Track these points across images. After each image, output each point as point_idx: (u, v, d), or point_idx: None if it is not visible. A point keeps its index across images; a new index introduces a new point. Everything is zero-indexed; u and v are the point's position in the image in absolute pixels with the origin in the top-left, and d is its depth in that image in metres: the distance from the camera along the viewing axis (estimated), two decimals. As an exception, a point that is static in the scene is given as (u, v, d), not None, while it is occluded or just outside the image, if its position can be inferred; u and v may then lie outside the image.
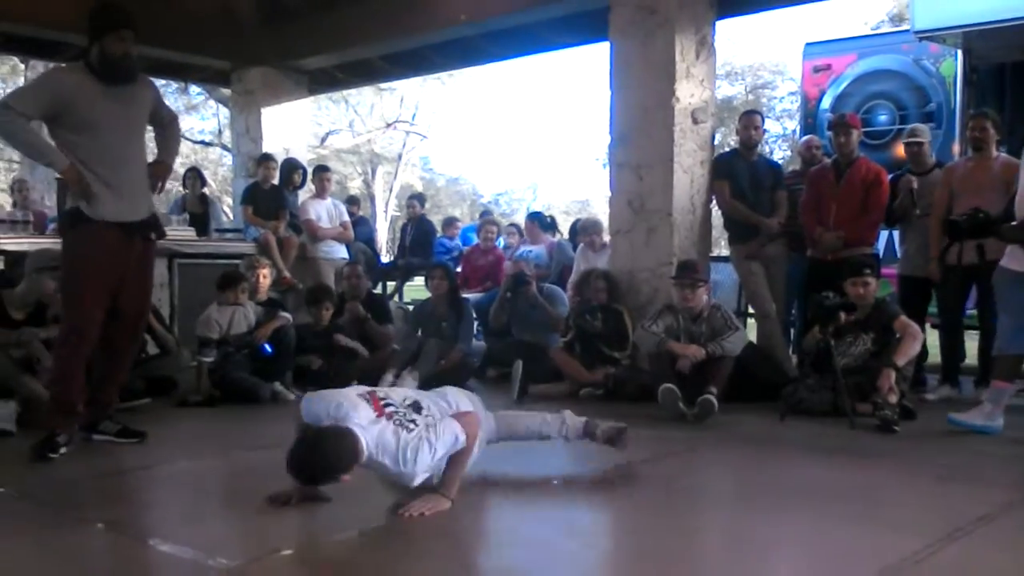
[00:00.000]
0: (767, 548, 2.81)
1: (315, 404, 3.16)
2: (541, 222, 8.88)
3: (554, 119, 56.92)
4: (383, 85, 24.48)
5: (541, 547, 2.80)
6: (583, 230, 7.76)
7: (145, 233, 4.27)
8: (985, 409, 4.62)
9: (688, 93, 6.19)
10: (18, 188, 9.14)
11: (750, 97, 25.80)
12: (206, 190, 9.26)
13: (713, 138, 6.50)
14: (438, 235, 10.11)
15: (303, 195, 8.55)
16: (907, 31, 7.82)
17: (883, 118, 8.16)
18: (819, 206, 6.02)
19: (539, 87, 54.35)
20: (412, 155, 31.65)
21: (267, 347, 5.71)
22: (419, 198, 10.95)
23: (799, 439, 4.60)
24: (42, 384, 4.50)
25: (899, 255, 6.44)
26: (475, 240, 9.45)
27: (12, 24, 7.84)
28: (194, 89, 23.02)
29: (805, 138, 7.48)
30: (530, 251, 8.16)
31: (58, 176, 4.47)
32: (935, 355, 6.17)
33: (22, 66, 17.57)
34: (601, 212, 6.56)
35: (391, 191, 30.10)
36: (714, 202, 6.50)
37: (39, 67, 13.99)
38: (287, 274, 7.76)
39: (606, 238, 7.27)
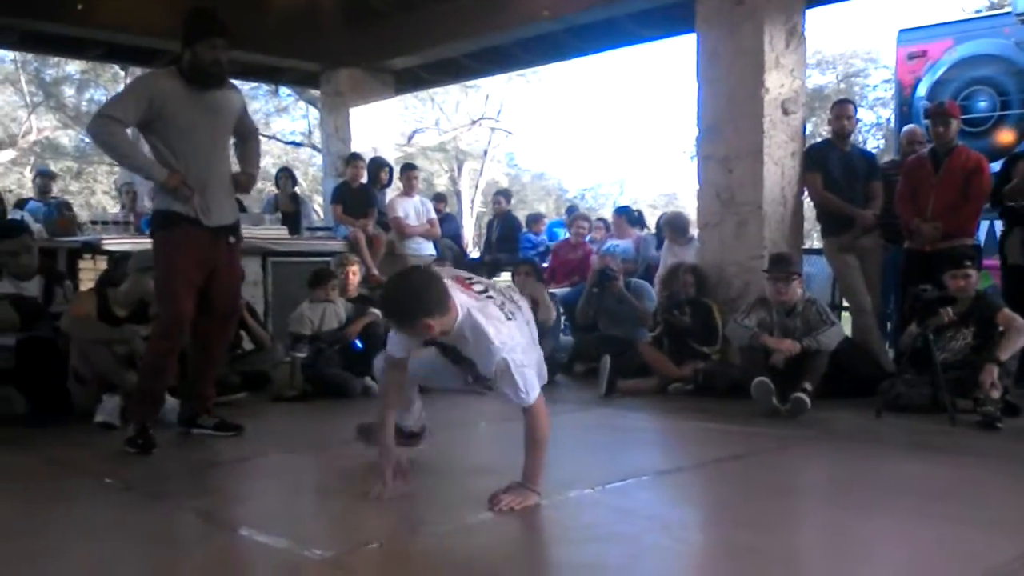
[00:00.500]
0: (864, 547, 2.74)
1: None
2: (629, 216, 8.82)
3: (640, 113, 56.51)
4: (468, 83, 24.66)
5: (629, 543, 2.78)
6: (667, 224, 7.70)
7: (228, 235, 4.36)
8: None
9: (778, 83, 6.07)
10: (126, 191, 9.49)
11: (842, 86, 25.15)
12: (297, 189, 9.47)
13: (804, 129, 6.36)
14: (524, 231, 10.13)
15: (391, 193, 8.67)
16: (1007, 14, 7.53)
17: (983, 104, 7.89)
18: (916, 196, 5.83)
19: (625, 81, 53.98)
20: (497, 151, 31.72)
21: (358, 343, 5.81)
22: (505, 194, 10.99)
23: (897, 436, 4.47)
24: None
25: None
26: (561, 235, 9.44)
27: (111, 33, 8.14)
28: (284, 91, 23.58)
29: (907, 129, 7.22)
30: (616, 245, 8.11)
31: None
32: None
33: (122, 73, 18.19)
34: (689, 206, 6.50)
35: (477, 187, 30.24)
36: (806, 194, 6.36)
37: (138, 74, 14.46)
38: (376, 271, 7.87)
39: (693, 232, 7.20)
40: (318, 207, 12.57)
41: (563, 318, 7.46)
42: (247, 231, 7.38)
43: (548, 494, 3.19)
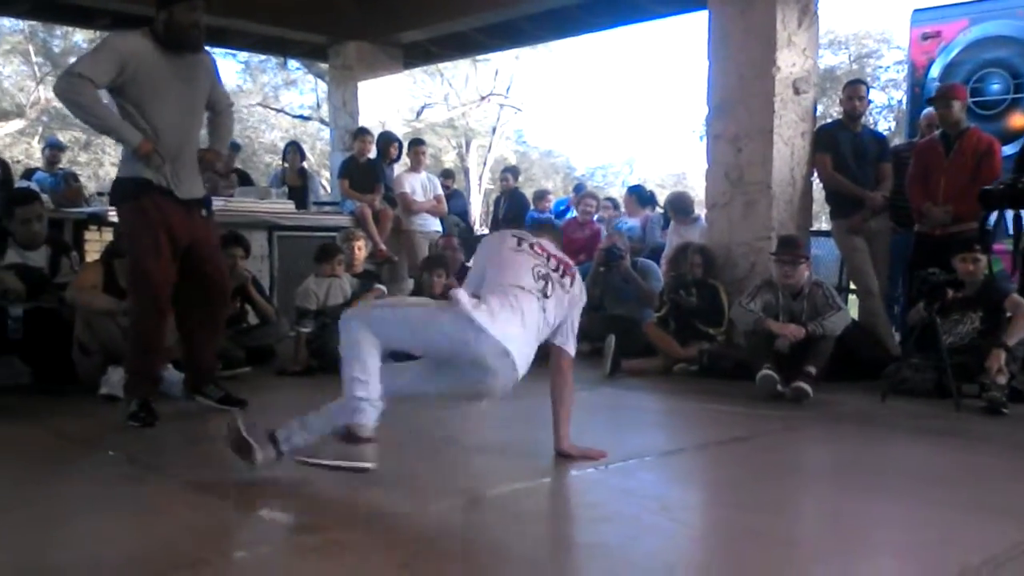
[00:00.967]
0: (865, 530, 2.73)
1: None
2: (640, 195, 8.78)
3: (651, 91, 56.13)
4: (478, 58, 24.51)
5: (630, 523, 2.77)
6: (671, 204, 7.68)
7: (200, 208, 4.22)
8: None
9: (789, 62, 6.02)
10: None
11: (854, 67, 24.96)
12: (305, 164, 9.44)
13: (815, 109, 6.31)
14: (530, 208, 10.09)
15: (398, 168, 8.64)
16: (1024, -5, 7.44)
17: (996, 87, 7.78)
18: (927, 179, 5.79)
19: (636, 59, 53.61)
20: (506, 128, 31.61)
21: (363, 318, 5.79)
22: (513, 171, 10.94)
23: (901, 420, 4.46)
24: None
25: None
26: (570, 213, 9.41)
27: (119, 3, 8.10)
28: (293, 64, 23.48)
29: (927, 112, 7.12)
30: (624, 223, 8.08)
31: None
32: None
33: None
34: (698, 186, 6.45)
35: (485, 164, 30.16)
36: (815, 175, 6.32)
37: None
38: (383, 246, 7.86)
39: (698, 211, 7.17)
40: (326, 182, 12.56)
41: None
42: (254, 205, 7.44)
43: (550, 473, 3.19)
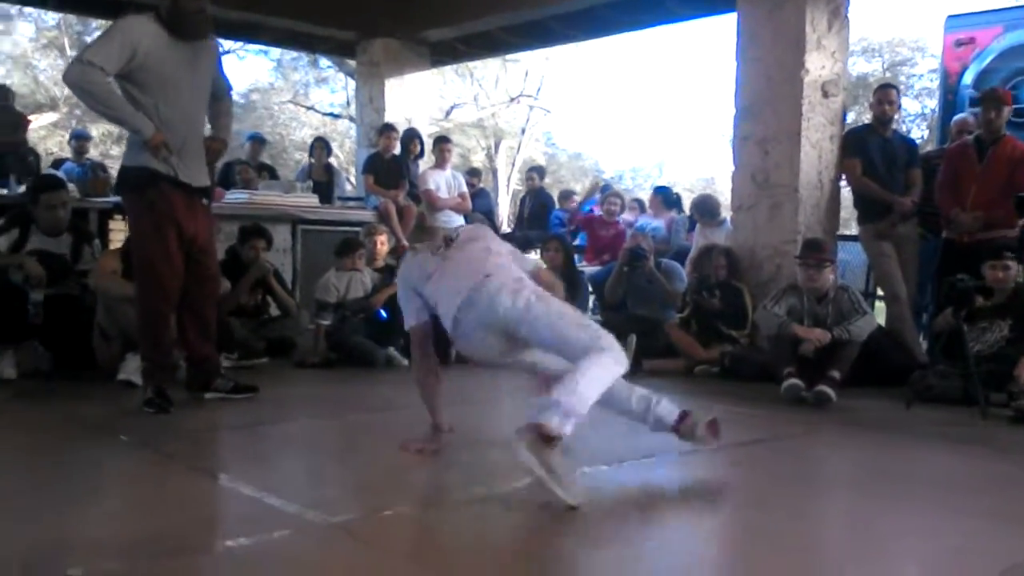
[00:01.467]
0: (885, 537, 2.66)
1: None
2: (666, 197, 8.73)
3: (681, 94, 55.81)
4: (508, 58, 24.48)
5: (642, 520, 2.73)
6: (697, 207, 7.62)
7: (202, 197, 4.21)
8: None
9: (818, 65, 5.95)
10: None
11: (887, 74, 24.67)
12: (332, 160, 9.46)
13: (844, 113, 6.24)
14: (556, 208, 10.06)
15: (424, 165, 8.62)
16: (1060, 2, 7.31)
17: (1031, 95, 7.65)
18: (958, 185, 5.69)
19: (666, 61, 53.34)
20: (535, 130, 31.56)
21: (382, 312, 5.78)
22: (538, 170, 10.91)
23: (926, 427, 4.36)
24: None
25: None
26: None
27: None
28: (324, 62, 23.59)
29: (958, 118, 7.00)
30: (648, 224, 8.02)
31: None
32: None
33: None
34: (727, 190, 6.38)
35: (514, 166, 30.14)
36: (844, 179, 6.23)
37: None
38: (405, 242, 7.84)
39: (724, 215, 7.10)
40: (353, 179, 12.58)
41: (592, 297, 7.39)
42: (277, 198, 7.46)
43: (563, 469, 3.13)
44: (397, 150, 8.38)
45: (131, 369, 4.55)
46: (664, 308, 6.68)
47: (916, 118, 24.57)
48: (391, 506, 2.79)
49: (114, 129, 25.68)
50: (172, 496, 2.89)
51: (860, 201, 6.14)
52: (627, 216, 9.07)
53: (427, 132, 9.31)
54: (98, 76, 3.74)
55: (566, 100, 40.97)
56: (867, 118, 8.07)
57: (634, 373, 5.53)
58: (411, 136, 8.57)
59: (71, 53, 23.88)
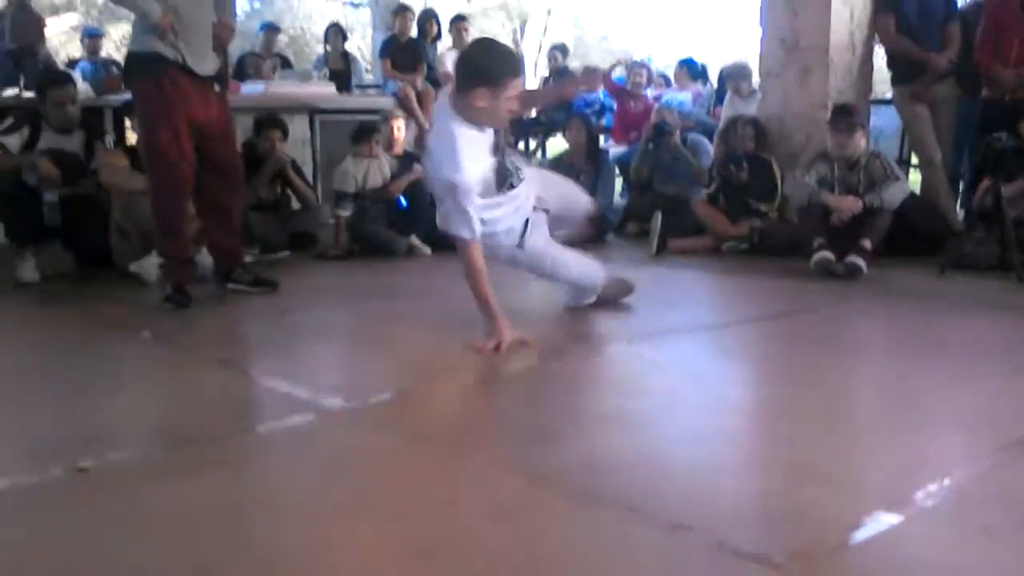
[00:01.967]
0: (909, 402, 2.59)
1: None
2: (691, 69, 8.44)
3: (712, -32, 53.71)
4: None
5: (659, 395, 2.67)
6: (730, 76, 7.32)
7: (213, 83, 4.14)
8: None
9: (849, -85, 5.59)
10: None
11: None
12: (348, 47, 9.22)
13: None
14: (579, 87, 9.76)
15: (442, 47, 8.38)
16: None
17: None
18: (998, 40, 5.38)
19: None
20: (562, 11, 30.72)
21: (402, 200, 5.69)
22: (561, 48, 10.57)
23: (960, 294, 4.24)
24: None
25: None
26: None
27: None
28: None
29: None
30: (673, 99, 7.77)
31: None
32: None
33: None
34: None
35: (540, 49, 29.42)
36: (877, 39, 5.94)
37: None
38: (427, 126, 7.68)
39: (755, 84, 6.84)
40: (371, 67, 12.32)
41: (618, 178, 7.23)
42: (293, 88, 7.30)
43: (580, 347, 3.09)
44: (414, 32, 8.14)
45: (145, 265, 4.53)
46: (691, 185, 6.51)
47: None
48: (399, 388, 2.77)
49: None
50: (190, 388, 2.89)
51: (893, 61, 5.86)
52: (653, 92, 8.80)
53: (448, 16, 9.00)
54: None
55: (592, -23, 39.54)
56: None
57: (660, 252, 5.49)
58: (427, 17, 8.32)
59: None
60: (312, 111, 7.26)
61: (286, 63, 8.72)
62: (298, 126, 6.98)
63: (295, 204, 6.04)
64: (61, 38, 23.51)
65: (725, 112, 7.17)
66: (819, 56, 5.69)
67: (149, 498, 1.94)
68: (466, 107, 3.03)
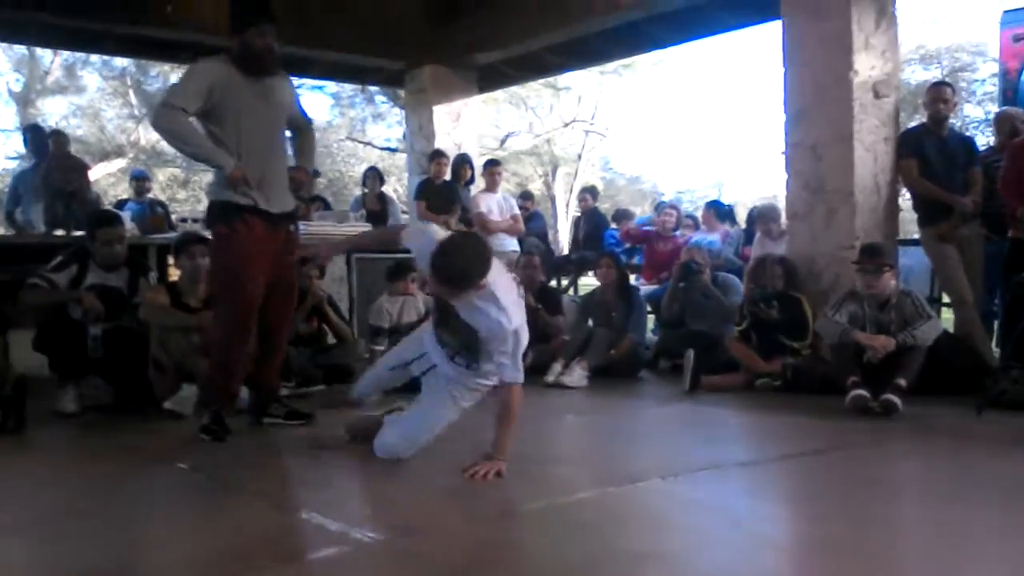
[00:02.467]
0: (951, 545, 2.54)
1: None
2: (718, 210, 8.61)
3: (737, 111, 55.25)
4: (560, 85, 24.54)
5: (694, 534, 2.64)
6: (760, 217, 7.45)
7: (288, 223, 4.33)
8: None
9: (868, 66, 5.81)
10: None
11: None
12: (385, 189, 9.52)
13: (898, 114, 6.07)
14: (608, 227, 9.98)
15: (475, 191, 8.64)
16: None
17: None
18: (1021, 181, 5.49)
19: (717, 78, 52.87)
20: (592, 155, 31.55)
21: (435, 336, 5.75)
22: (591, 191, 10.85)
23: (999, 434, 4.18)
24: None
25: None
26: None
27: (200, 35, 8.24)
28: (379, 98, 23.92)
29: (1001, 111, 6.81)
30: (703, 239, 7.90)
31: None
32: None
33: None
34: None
35: (571, 192, 30.10)
36: (901, 182, 6.07)
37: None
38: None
39: (784, 225, 6.95)
40: (407, 207, 12.64)
41: (650, 316, 7.29)
42: (332, 228, 7.51)
43: (612, 484, 3.07)
44: (448, 176, 8.41)
45: (180, 399, 4.60)
46: (723, 323, 6.55)
47: (980, 124, 23.93)
48: (430, 523, 2.76)
49: (179, 173, 26.38)
50: (226, 519, 2.90)
51: (920, 203, 5.97)
52: (683, 233, 8.96)
53: (481, 160, 9.32)
54: (180, 116, 4.00)
55: (621, 124, 40.86)
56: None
57: (693, 389, 5.48)
58: (462, 161, 8.60)
59: (135, 100, 24.63)
60: (349, 250, 7.44)
61: (326, 205, 9.00)
62: (336, 264, 7.15)
63: (330, 339, 6.14)
64: (110, 180, 24.45)
65: (755, 252, 7.26)
66: (844, 198, 5.82)
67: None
68: None
